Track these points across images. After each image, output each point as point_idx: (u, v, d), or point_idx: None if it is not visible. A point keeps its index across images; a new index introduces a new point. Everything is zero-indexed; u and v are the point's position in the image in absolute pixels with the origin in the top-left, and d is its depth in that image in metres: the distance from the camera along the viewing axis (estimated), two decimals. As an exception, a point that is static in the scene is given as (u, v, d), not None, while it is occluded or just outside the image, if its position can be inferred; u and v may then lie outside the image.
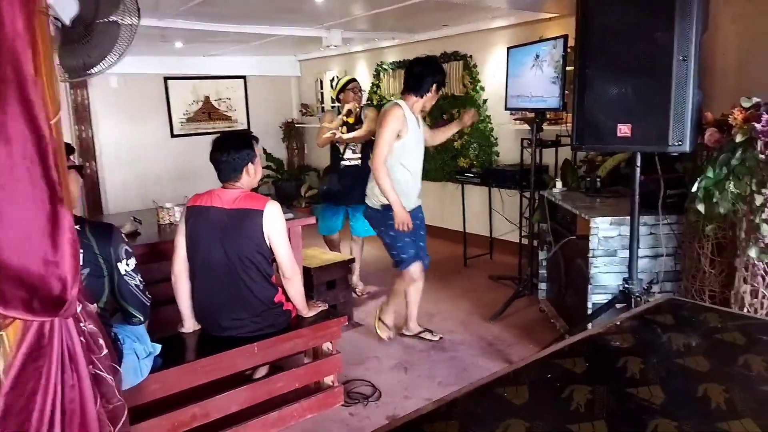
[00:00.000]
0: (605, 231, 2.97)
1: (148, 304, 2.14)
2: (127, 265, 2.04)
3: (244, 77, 7.57)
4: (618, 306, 2.79)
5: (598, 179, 3.59)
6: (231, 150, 2.47)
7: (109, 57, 2.15)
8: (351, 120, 4.15)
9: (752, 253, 2.30)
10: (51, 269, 1.23)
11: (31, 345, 1.27)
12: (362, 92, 4.39)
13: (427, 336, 3.57)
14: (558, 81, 3.73)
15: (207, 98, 7.36)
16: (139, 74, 6.51)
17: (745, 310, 2.37)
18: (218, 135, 2.60)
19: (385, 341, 3.51)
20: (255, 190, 2.68)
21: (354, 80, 4.34)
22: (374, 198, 3.28)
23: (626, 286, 2.76)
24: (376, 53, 6.51)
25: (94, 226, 1.99)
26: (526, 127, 4.40)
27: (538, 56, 3.95)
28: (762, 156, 2.26)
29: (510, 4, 4.27)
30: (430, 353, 3.38)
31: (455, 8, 4.48)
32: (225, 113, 7.53)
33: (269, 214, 2.46)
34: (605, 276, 3.01)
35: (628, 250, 2.79)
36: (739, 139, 2.34)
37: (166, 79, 6.98)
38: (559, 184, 3.79)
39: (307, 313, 2.73)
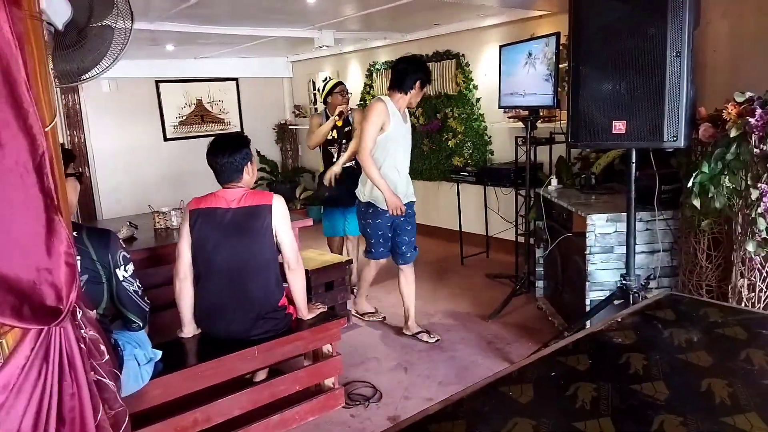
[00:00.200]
0: (602, 228, 2.98)
1: (147, 309, 2.13)
2: (125, 271, 2.03)
3: (236, 79, 7.55)
4: (616, 302, 2.80)
5: (593, 176, 3.61)
6: (232, 151, 2.50)
7: (103, 61, 2.14)
8: (339, 123, 4.22)
9: (749, 247, 2.31)
10: (43, 276, 1.21)
11: (27, 352, 1.26)
12: (349, 94, 4.49)
13: (374, 318, 3.87)
14: (551, 78, 3.75)
15: (199, 101, 7.33)
16: (131, 78, 6.48)
17: (743, 304, 2.38)
18: (213, 138, 2.62)
19: (387, 337, 3.51)
20: (251, 190, 2.68)
21: (341, 83, 4.43)
22: (360, 194, 3.52)
23: (624, 282, 2.77)
24: (368, 53, 6.50)
25: (91, 233, 1.98)
26: (520, 125, 4.42)
27: (530, 54, 3.97)
28: (756, 150, 2.28)
29: (501, 2, 4.28)
30: (430, 353, 3.38)
31: (446, 7, 4.49)
32: (218, 116, 7.50)
33: (277, 207, 2.53)
34: (602, 273, 3.02)
35: (624, 247, 2.81)
36: (733, 133, 2.35)
37: (157, 82, 6.95)
38: (554, 181, 3.80)
39: (307, 314, 2.73)
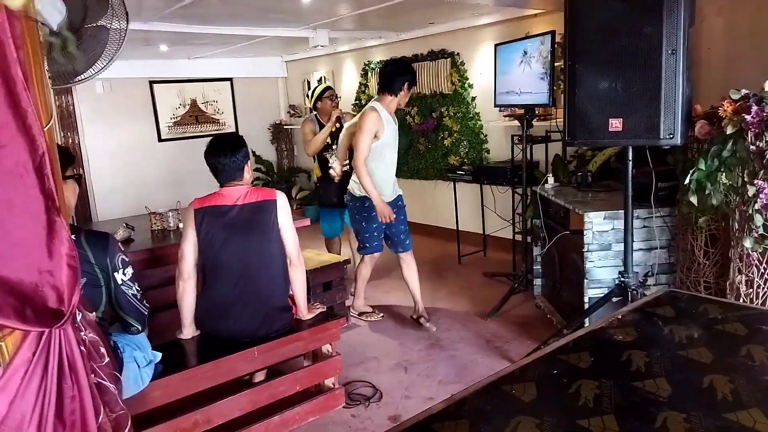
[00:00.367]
0: (599, 225, 2.99)
1: (146, 313, 2.11)
2: (124, 274, 2.01)
3: (230, 79, 7.53)
4: (614, 300, 2.81)
5: (589, 174, 3.61)
6: (234, 151, 2.54)
7: (98, 62, 2.13)
8: (333, 129, 4.27)
9: (747, 243, 2.32)
10: (45, 278, 1.20)
11: (28, 356, 1.25)
12: (338, 98, 4.55)
13: (371, 317, 3.91)
14: (546, 77, 3.75)
15: (194, 101, 7.30)
16: (125, 78, 6.44)
17: (741, 300, 2.40)
18: (212, 139, 2.63)
19: (386, 337, 3.51)
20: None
21: (329, 88, 4.47)
22: (354, 189, 3.66)
23: (622, 279, 2.78)
24: (363, 53, 6.50)
25: (89, 236, 1.96)
26: (516, 123, 4.42)
27: (526, 52, 3.97)
28: (753, 147, 2.29)
29: (496, 0, 4.29)
30: (429, 352, 3.38)
31: (441, 6, 4.49)
32: (212, 116, 7.47)
33: (281, 203, 2.59)
34: (600, 270, 3.03)
35: (622, 244, 2.81)
36: (729, 130, 2.36)
37: (151, 82, 6.92)
38: (551, 179, 3.81)
39: (307, 314, 2.73)
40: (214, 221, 2.49)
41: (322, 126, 4.31)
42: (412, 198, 5.95)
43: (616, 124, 2.53)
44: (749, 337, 1.49)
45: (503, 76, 4.22)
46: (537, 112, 4.26)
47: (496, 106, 4.50)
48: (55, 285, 1.20)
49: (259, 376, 2.78)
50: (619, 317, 1.67)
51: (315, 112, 4.43)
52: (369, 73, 6.43)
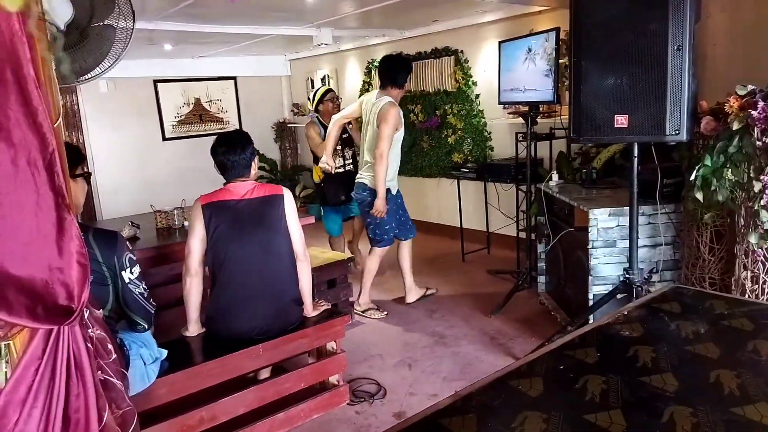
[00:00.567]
0: (604, 222, 2.98)
1: (153, 312, 2.11)
2: (131, 273, 2.02)
3: (234, 78, 7.53)
4: (619, 296, 2.80)
5: (594, 171, 3.61)
6: (242, 148, 2.58)
7: (105, 61, 2.14)
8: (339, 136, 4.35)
9: (752, 239, 2.32)
10: (56, 276, 1.21)
11: (39, 354, 1.25)
12: (339, 100, 4.66)
13: (375, 315, 3.90)
14: (551, 74, 3.74)
15: (198, 100, 7.31)
16: (129, 78, 6.45)
17: (746, 296, 2.39)
18: (219, 136, 2.64)
19: (390, 334, 3.52)
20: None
21: (331, 90, 4.61)
22: (369, 182, 3.75)
23: (627, 276, 2.77)
24: (367, 51, 6.49)
25: (97, 234, 1.97)
26: (520, 120, 4.42)
27: (530, 49, 3.96)
28: (759, 143, 2.28)
29: (500, -3, 4.29)
30: (433, 349, 3.39)
31: (445, 4, 4.48)
32: (216, 115, 7.48)
33: (287, 198, 2.63)
34: (605, 267, 3.02)
35: (627, 241, 2.81)
36: (735, 126, 2.35)
37: (155, 81, 6.93)
38: (555, 176, 3.81)
39: (312, 311, 2.74)
40: (222, 216, 2.50)
41: (324, 128, 4.39)
42: (415, 195, 5.97)
43: (621, 120, 2.52)
44: (756, 332, 1.49)
45: (507, 73, 4.21)
46: (541, 109, 4.25)
47: (500, 103, 4.50)
48: (66, 282, 1.20)
49: (264, 374, 2.79)
50: (626, 313, 1.67)
51: (317, 115, 4.54)
52: (372, 71, 6.43)
